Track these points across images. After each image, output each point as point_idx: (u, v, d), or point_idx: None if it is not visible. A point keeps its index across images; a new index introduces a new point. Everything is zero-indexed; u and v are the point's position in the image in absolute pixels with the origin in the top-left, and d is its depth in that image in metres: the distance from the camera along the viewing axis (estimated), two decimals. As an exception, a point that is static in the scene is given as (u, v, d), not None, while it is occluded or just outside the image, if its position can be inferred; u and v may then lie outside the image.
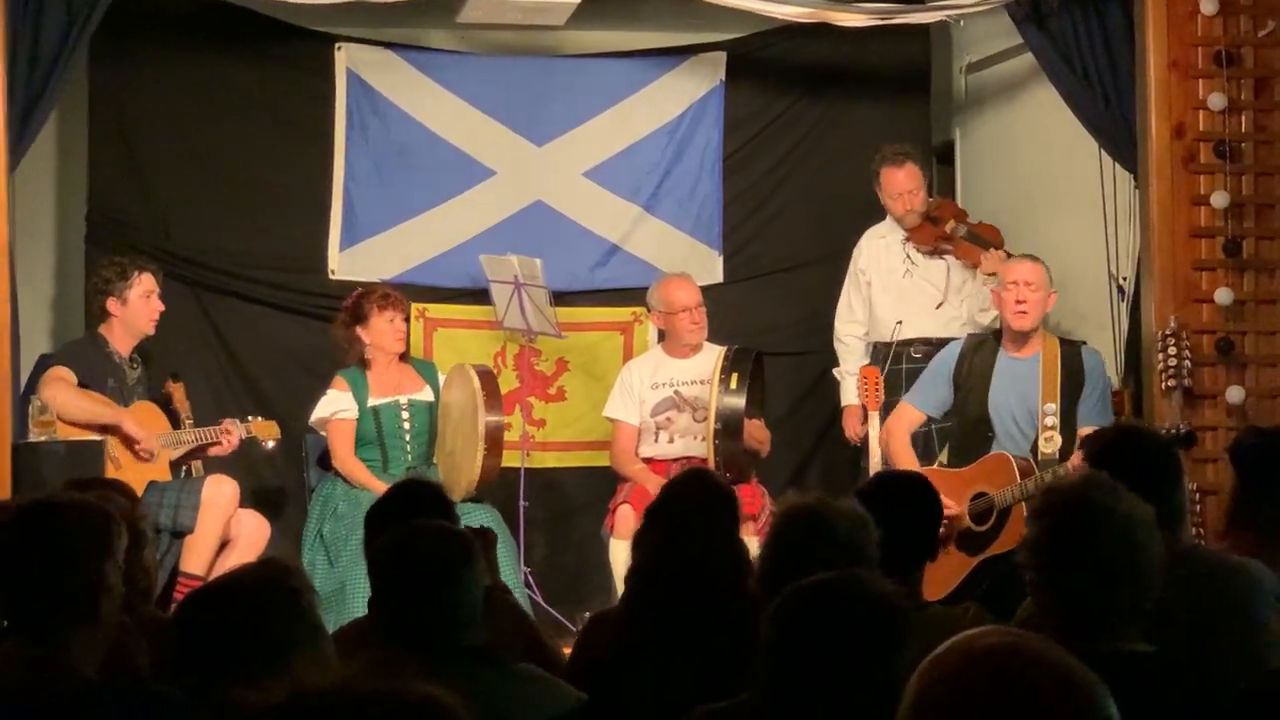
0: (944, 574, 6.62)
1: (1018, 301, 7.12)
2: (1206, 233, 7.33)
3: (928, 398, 7.39)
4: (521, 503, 8.22)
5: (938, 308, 8.16)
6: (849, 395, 8.28)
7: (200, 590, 3.51)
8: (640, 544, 4.57)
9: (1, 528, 3.64)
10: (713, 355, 7.94)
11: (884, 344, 8.21)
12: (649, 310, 8.43)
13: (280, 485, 8.67)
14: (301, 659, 3.07)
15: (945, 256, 8.22)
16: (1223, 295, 7.28)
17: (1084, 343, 7.46)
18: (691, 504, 4.61)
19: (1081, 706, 1.86)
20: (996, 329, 7.39)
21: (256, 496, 8.27)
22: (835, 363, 8.87)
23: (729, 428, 7.63)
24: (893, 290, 8.27)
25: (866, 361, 8.25)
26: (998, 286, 7.33)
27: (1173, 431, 6.76)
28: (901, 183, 8.27)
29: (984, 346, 7.28)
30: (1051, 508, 3.58)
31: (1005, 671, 1.88)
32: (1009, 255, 7.91)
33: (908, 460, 7.24)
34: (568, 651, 5.15)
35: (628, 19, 9.28)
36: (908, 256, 8.31)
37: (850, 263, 8.50)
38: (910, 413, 7.43)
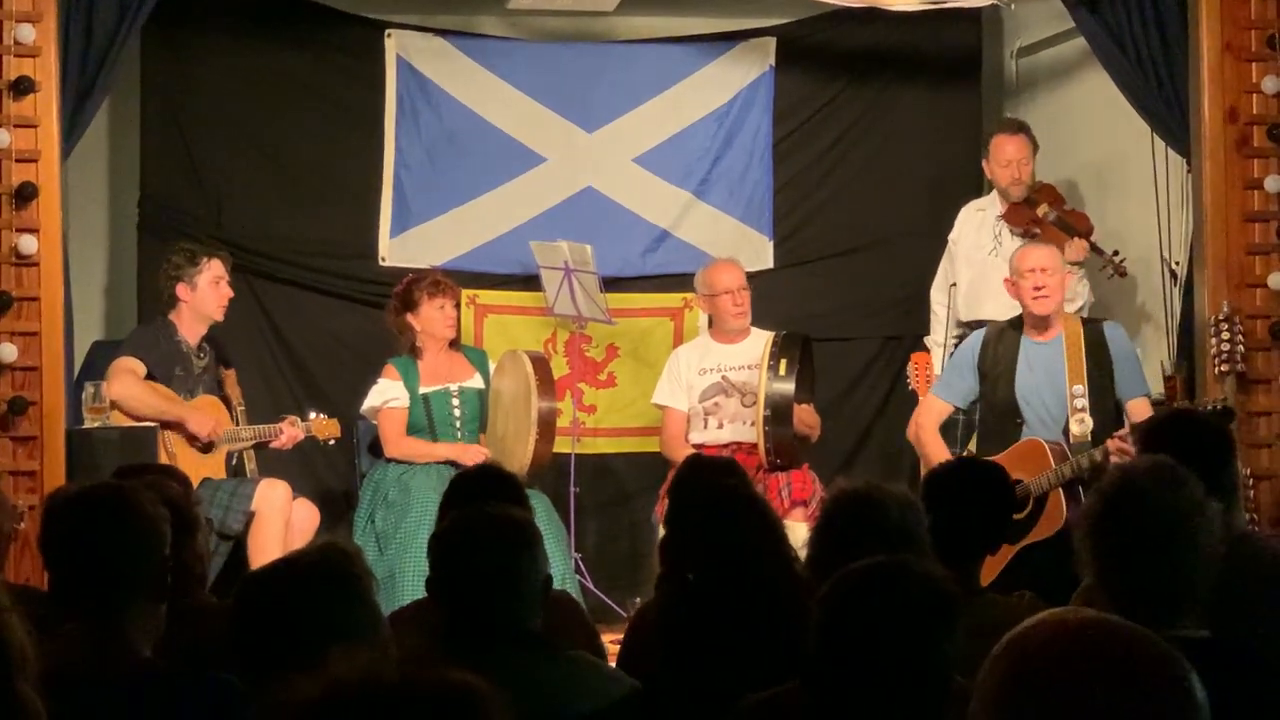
0: (985, 564, 6.58)
1: (1036, 288, 7.09)
2: (1260, 217, 7.28)
3: (953, 389, 7.37)
4: (572, 489, 8.25)
5: None
6: (938, 365, 8.22)
7: (260, 573, 3.48)
8: (667, 549, 4.58)
9: (63, 509, 3.65)
10: (761, 341, 7.93)
11: (961, 322, 8.18)
12: (696, 295, 8.43)
13: (332, 471, 8.70)
14: (348, 646, 3.06)
15: (1035, 240, 8.16)
16: (1276, 280, 7.23)
17: (1104, 320, 7.42)
18: (698, 489, 4.63)
19: (1173, 685, 1.87)
20: (1016, 316, 7.34)
21: (308, 483, 8.30)
22: (884, 348, 8.91)
23: (778, 413, 7.62)
24: (975, 266, 8.23)
25: (957, 333, 8.23)
26: (1011, 276, 7.27)
27: (1211, 407, 6.73)
28: (1011, 152, 8.24)
29: (1006, 334, 7.25)
30: (1107, 489, 3.56)
31: (1101, 645, 1.89)
32: (1092, 246, 7.88)
33: (938, 451, 7.20)
34: (607, 638, 5.17)
35: (677, 5, 9.28)
36: (997, 235, 8.27)
37: (951, 231, 8.48)
38: (937, 404, 7.42)
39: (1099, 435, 6.81)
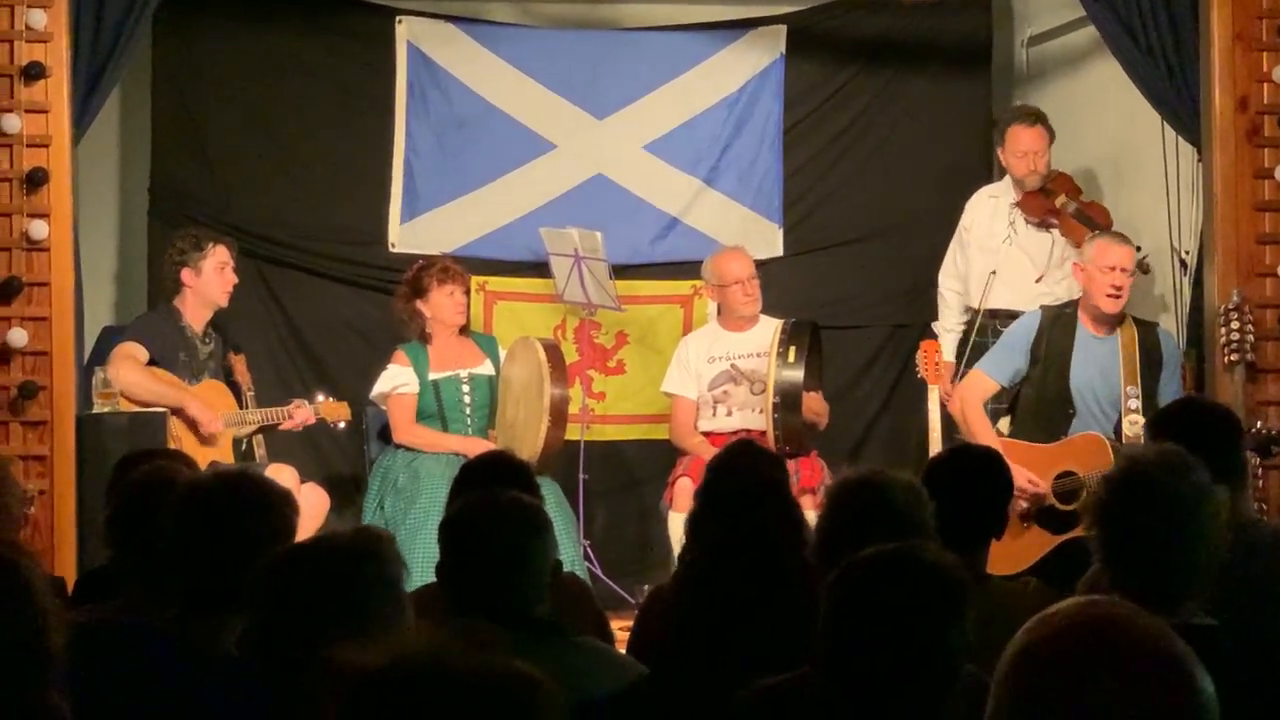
0: (1024, 550, 6.59)
1: (1115, 286, 7.07)
2: (1270, 206, 7.26)
3: (1003, 368, 7.32)
4: (581, 475, 8.25)
5: (1037, 281, 8.08)
6: (948, 351, 8.20)
7: (293, 551, 3.41)
8: (697, 524, 4.57)
9: (200, 498, 3.60)
10: (769, 328, 7.93)
11: (971, 310, 8.15)
12: (705, 284, 8.43)
13: (341, 457, 8.71)
14: (384, 629, 3.04)
15: (1051, 230, 8.14)
16: (1286, 269, 7.23)
17: (1157, 324, 7.42)
18: (744, 475, 4.62)
19: (1179, 684, 1.88)
20: (1069, 302, 7.34)
21: (317, 469, 8.31)
22: (893, 336, 8.89)
23: (788, 401, 7.62)
24: (989, 254, 8.16)
25: (965, 318, 8.22)
26: (1083, 262, 7.24)
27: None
28: (1029, 142, 8.17)
29: (1061, 320, 7.23)
30: (1114, 477, 3.56)
31: (1109, 638, 1.90)
32: None
33: (984, 429, 7.18)
34: (616, 625, 5.17)
35: (688, -8, 9.29)
36: (1012, 223, 8.23)
37: (961, 217, 8.43)
38: (984, 381, 7.36)
39: None
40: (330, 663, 1.97)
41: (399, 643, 1.88)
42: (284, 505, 3.61)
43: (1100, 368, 7.08)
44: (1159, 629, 1.93)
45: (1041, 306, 7.47)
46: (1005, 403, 7.46)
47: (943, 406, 7.66)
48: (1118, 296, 7.09)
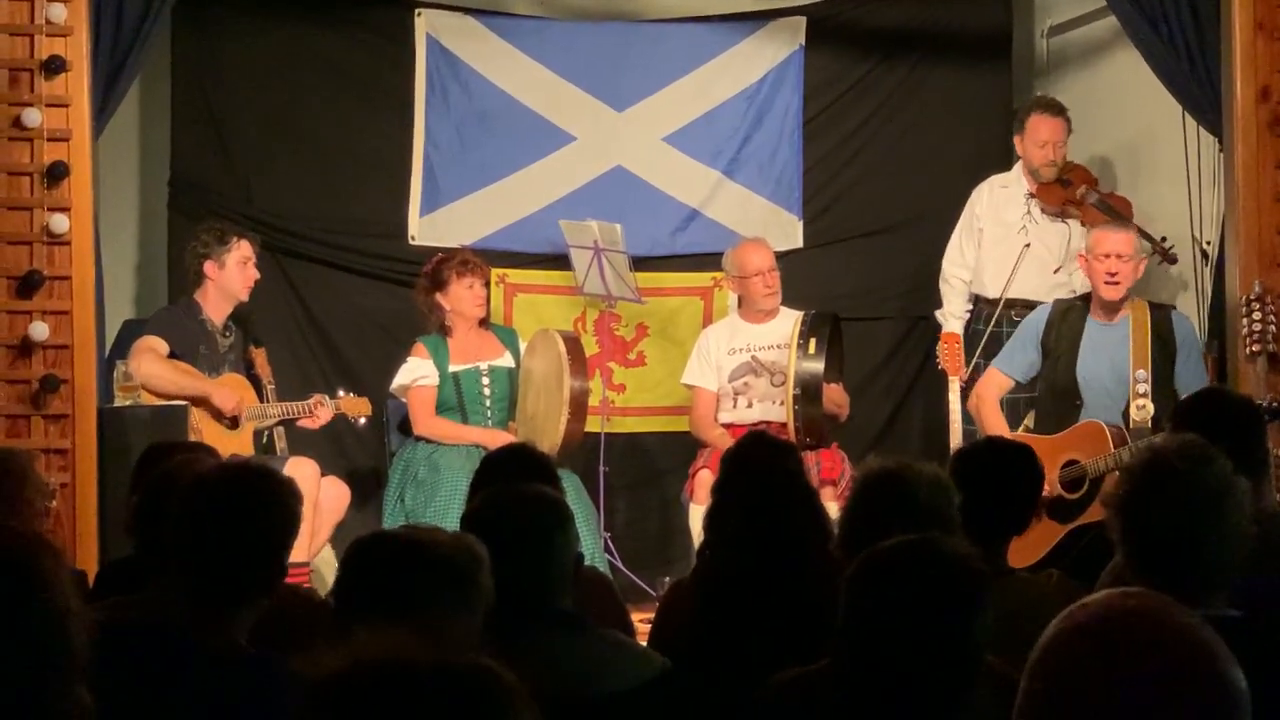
0: (1033, 542, 6.57)
1: (1110, 274, 7.07)
2: (1292, 196, 7.26)
3: (1015, 363, 7.35)
4: (602, 468, 8.25)
5: (1055, 272, 8.06)
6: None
7: (389, 538, 3.38)
8: (714, 518, 4.56)
9: (202, 492, 3.60)
10: (790, 320, 7.92)
11: (986, 300, 8.14)
12: (726, 275, 8.42)
13: (361, 450, 8.71)
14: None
15: (1069, 221, 8.12)
16: (1308, 259, 7.21)
17: (1173, 307, 7.41)
18: (758, 467, 4.62)
19: (1212, 677, 1.89)
20: (1085, 294, 7.33)
21: (338, 462, 8.31)
22: (913, 327, 8.85)
23: (808, 392, 7.62)
24: (1004, 244, 8.15)
25: (970, 306, 8.21)
26: (1085, 252, 7.25)
27: (1271, 403, 6.71)
28: (1049, 132, 8.18)
29: (1072, 312, 7.23)
30: (1136, 468, 3.55)
31: (1140, 631, 1.90)
32: (1141, 232, 7.80)
33: (998, 425, 7.20)
34: (637, 618, 5.17)
35: (708, -17, 9.28)
36: (1029, 212, 8.22)
37: (966, 207, 8.42)
38: (998, 377, 7.39)
39: (1159, 421, 6.75)
40: (298, 675, 1.93)
41: (357, 645, 1.85)
42: (287, 495, 3.60)
43: (1109, 356, 7.07)
44: (1191, 621, 1.92)
45: (1054, 300, 7.48)
46: (1035, 393, 7.46)
47: (963, 398, 7.65)
48: (1115, 283, 7.08)
